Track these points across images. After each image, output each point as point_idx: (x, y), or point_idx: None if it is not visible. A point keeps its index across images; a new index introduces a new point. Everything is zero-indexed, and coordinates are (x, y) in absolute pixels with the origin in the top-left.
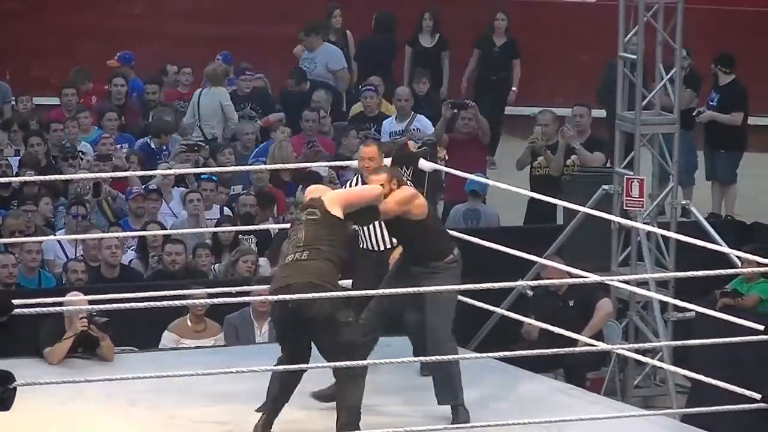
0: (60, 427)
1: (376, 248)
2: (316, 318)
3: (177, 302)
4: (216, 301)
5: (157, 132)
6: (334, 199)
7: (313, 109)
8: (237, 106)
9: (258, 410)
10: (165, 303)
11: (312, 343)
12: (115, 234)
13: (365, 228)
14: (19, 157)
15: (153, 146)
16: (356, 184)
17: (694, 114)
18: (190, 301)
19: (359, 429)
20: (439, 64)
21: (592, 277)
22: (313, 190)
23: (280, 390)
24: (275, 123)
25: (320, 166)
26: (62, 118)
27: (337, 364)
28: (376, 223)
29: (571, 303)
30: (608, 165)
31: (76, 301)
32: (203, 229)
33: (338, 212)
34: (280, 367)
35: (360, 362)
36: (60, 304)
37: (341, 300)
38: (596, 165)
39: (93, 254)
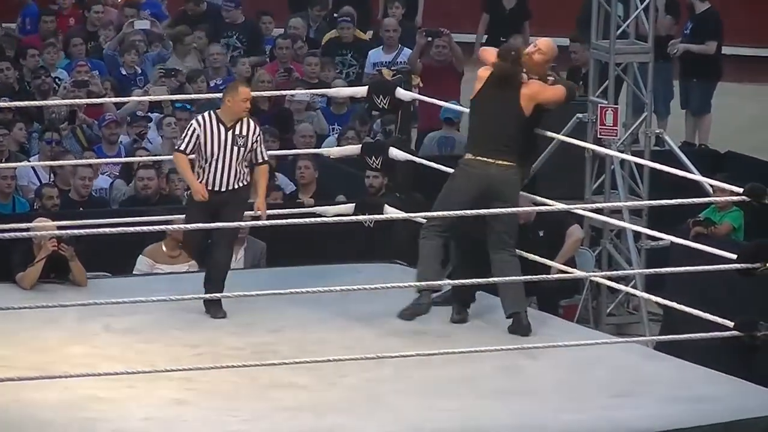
0: (33, 353)
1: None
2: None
3: (151, 228)
4: (190, 227)
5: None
6: None
7: (287, 36)
8: (224, 33)
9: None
10: (137, 229)
11: None
12: (89, 161)
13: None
14: None
15: (125, 72)
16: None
17: (668, 48)
18: (166, 227)
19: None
20: None
21: (565, 206)
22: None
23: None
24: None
25: (300, 93)
26: (38, 44)
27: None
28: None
29: (541, 233)
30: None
31: (45, 227)
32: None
33: None
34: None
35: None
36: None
37: None
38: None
39: (66, 179)
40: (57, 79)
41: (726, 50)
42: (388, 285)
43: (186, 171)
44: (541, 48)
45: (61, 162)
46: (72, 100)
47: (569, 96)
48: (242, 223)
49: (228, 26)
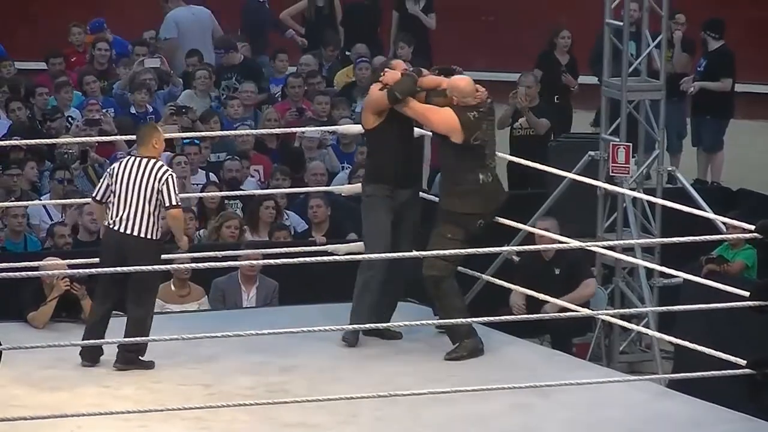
0: (45, 392)
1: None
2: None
3: (161, 267)
4: (201, 266)
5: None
6: None
7: (298, 75)
8: (223, 76)
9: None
10: (149, 268)
11: None
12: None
13: None
14: (8, 123)
15: (135, 111)
16: None
17: (680, 85)
18: (173, 266)
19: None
20: (425, 29)
21: (578, 244)
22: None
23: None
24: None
25: (312, 131)
26: (48, 83)
27: None
28: None
29: (557, 271)
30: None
31: (55, 265)
32: (189, 195)
33: None
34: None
35: None
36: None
37: None
38: (543, 130)
39: (76, 219)
40: (70, 118)
41: (738, 87)
42: (401, 323)
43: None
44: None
45: (72, 201)
46: (83, 138)
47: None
48: (256, 261)
49: (226, 69)
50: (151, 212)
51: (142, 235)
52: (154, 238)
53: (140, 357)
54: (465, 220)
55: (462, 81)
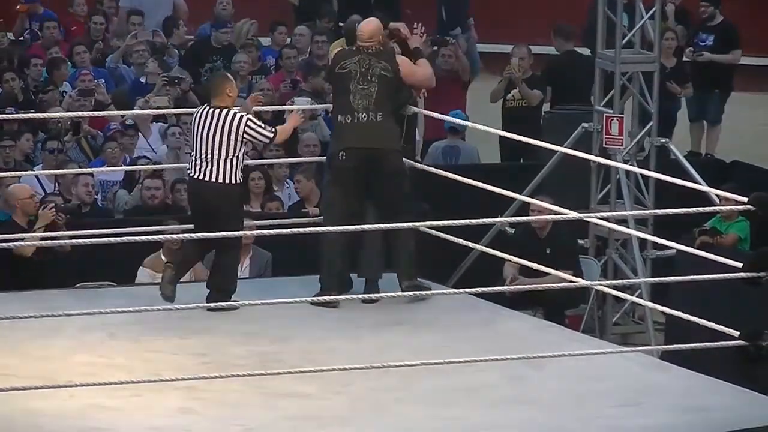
0: (38, 361)
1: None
2: (393, 172)
3: (152, 237)
4: (194, 236)
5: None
6: (413, 72)
7: (293, 46)
8: (209, 58)
9: (322, 294)
10: (139, 238)
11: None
12: (93, 170)
13: None
14: None
15: (143, 80)
16: None
17: (692, 56)
18: (164, 236)
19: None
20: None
21: (572, 214)
22: (375, 31)
23: (343, 258)
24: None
25: (300, 100)
26: (42, 54)
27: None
28: None
29: (548, 251)
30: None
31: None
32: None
33: (411, 83)
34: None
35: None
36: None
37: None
38: (536, 101)
39: (69, 188)
40: (63, 93)
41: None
42: (394, 294)
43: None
44: None
45: (64, 171)
46: (76, 113)
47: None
48: (249, 232)
49: (212, 50)
50: (229, 159)
51: (221, 180)
52: (233, 182)
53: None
54: (332, 161)
55: (367, 22)
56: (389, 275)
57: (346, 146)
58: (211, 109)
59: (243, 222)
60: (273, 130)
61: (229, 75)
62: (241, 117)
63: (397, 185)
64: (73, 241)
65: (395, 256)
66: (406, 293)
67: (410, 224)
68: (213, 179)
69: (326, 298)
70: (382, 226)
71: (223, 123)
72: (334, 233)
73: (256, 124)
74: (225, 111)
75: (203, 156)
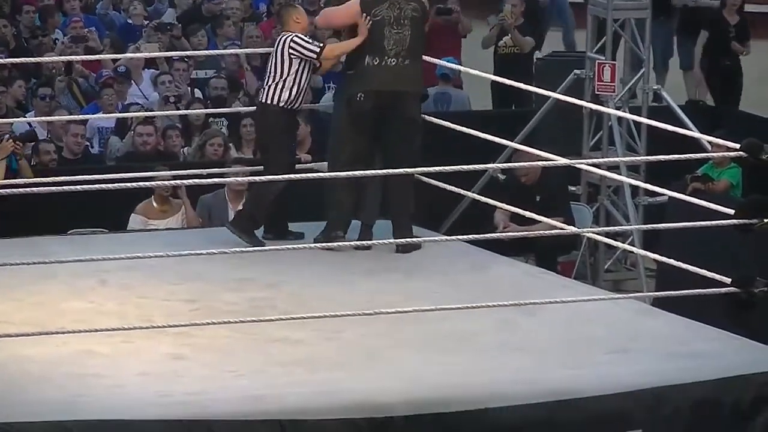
0: (30, 308)
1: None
2: (410, 117)
3: (144, 184)
4: (187, 182)
5: None
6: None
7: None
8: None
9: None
10: (131, 184)
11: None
12: (84, 116)
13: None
14: None
15: (132, 22)
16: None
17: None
18: (156, 183)
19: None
20: None
21: (563, 160)
22: None
23: (353, 194)
24: None
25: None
26: (34, 1)
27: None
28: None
29: (538, 198)
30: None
31: None
32: (175, 112)
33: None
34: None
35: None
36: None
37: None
38: (528, 48)
39: (60, 134)
40: (55, 40)
41: None
42: (385, 241)
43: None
44: None
45: (56, 117)
46: (69, 57)
47: None
48: (242, 179)
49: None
50: (275, 81)
51: (262, 100)
52: (273, 102)
53: (254, 230)
54: (349, 102)
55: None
56: (385, 222)
57: (366, 88)
58: (280, 37)
59: (282, 147)
60: (320, 45)
61: (295, 4)
62: (288, 37)
63: (409, 135)
64: (66, 187)
65: (392, 208)
66: (399, 242)
67: (402, 171)
68: (260, 100)
69: (335, 244)
70: (379, 172)
71: (276, 46)
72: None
73: (302, 40)
74: (283, 36)
75: (265, 79)
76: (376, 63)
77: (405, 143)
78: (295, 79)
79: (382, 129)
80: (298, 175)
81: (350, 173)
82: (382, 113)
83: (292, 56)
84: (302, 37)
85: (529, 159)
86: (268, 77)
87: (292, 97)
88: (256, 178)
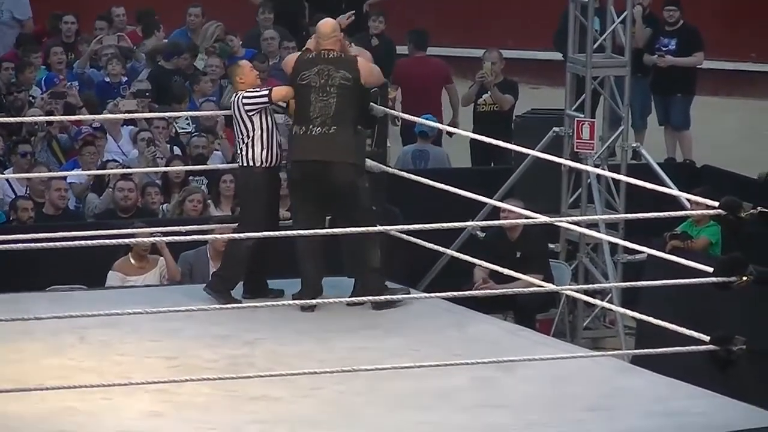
0: (9, 364)
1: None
2: (342, 185)
3: (122, 241)
4: (167, 239)
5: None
6: (371, 72)
7: (264, 59)
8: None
9: (298, 296)
10: (110, 241)
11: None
12: (66, 173)
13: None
14: None
15: (109, 80)
16: None
17: (652, 59)
18: (134, 240)
19: (386, 287)
20: None
21: (543, 219)
22: (333, 37)
23: (314, 262)
24: None
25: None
26: (14, 57)
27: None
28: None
29: (518, 254)
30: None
31: None
32: (156, 169)
33: (370, 83)
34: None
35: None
36: None
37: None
38: (507, 106)
39: (39, 191)
40: (32, 97)
41: (703, 64)
42: (363, 299)
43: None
44: None
45: (36, 174)
46: (46, 117)
47: None
48: (224, 235)
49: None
50: (247, 142)
51: (242, 163)
52: (255, 164)
53: (229, 290)
54: (287, 171)
55: (323, 23)
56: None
57: (294, 158)
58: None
59: (258, 207)
60: (268, 88)
61: (239, 62)
62: (237, 97)
63: (350, 199)
64: (45, 244)
65: (351, 268)
66: (377, 299)
67: (381, 228)
68: (240, 164)
69: (307, 302)
70: (354, 230)
71: (233, 110)
72: (303, 240)
73: (250, 93)
74: (233, 98)
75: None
76: (302, 132)
77: (345, 209)
78: (263, 133)
79: (324, 196)
80: (263, 233)
81: (307, 232)
82: (312, 181)
83: (250, 114)
84: (249, 91)
85: (512, 214)
86: (239, 140)
87: (272, 154)
88: (230, 235)
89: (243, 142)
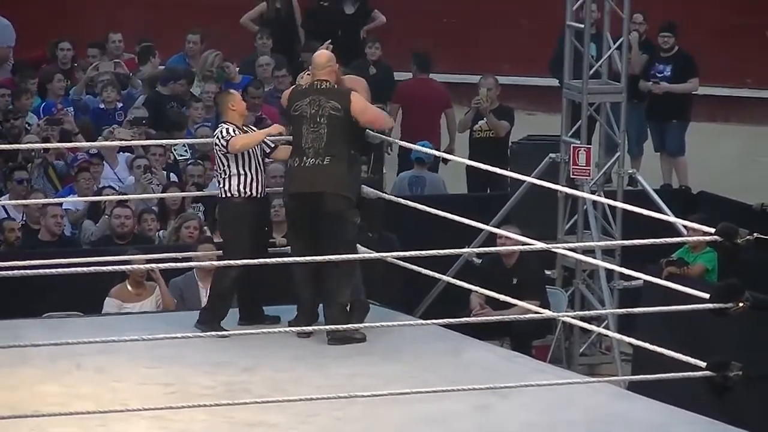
0: (5, 391)
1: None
2: (330, 214)
3: (118, 267)
4: (161, 266)
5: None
6: (364, 110)
7: (258, 85)
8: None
9: (294, 322)
10: (106, 268)
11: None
12: (61, 200)
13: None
14: None
15: (104, 107)
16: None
17: (647, 85)
18: (130, 267)
19: (347, 323)
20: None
21: (539, 245)
22: (328, 68)
23: (309, 289)
24: None
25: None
26: (10, 84)
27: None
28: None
29: (515, 281)
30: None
31: None
32: (152, 195)
33: (362, 121)
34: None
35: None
36: None
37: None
38: (503, 132)
39: (35, 217)
40: (28, 124)
41: (699, 90)
42: (360, 325)
43: (252, 135)
44: None
45: (32, 201)
46: (42, 144)
47: None
48: (213, 263)
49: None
50: (224, 177)
51: (221, 195)
52: (233, 196)
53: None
54: (284, 204)
55: (318, 54)
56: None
57: (290, 191)
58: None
59: (240, 238)
60: (231, 136)
61: (230, 90)
62: (218, 131)
63: (335, 228)
64: (42, 271)
65: (324, 299)
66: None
67: (378, 255)
68: (219, 196)
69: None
70: (345, 257)
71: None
72: (299, 267)
73: (224, 132)
74: (218, 128)
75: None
76: (296, 164)
77: (329, 238)
78: (238, 167)
79: (317, 224)
80: (246, 260)
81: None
82: (306, 213)
83: (223, 147)
84: (227, 129)
85: (508, 241)
86: (217, 174)
87: (251, 184)
88: (214, 263)
89: (221, 176)
